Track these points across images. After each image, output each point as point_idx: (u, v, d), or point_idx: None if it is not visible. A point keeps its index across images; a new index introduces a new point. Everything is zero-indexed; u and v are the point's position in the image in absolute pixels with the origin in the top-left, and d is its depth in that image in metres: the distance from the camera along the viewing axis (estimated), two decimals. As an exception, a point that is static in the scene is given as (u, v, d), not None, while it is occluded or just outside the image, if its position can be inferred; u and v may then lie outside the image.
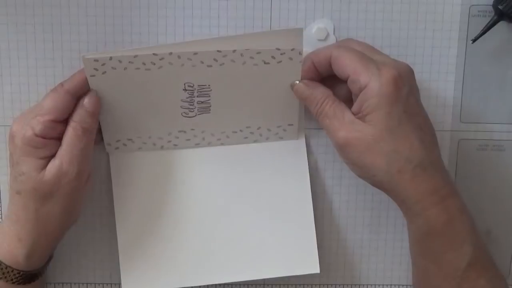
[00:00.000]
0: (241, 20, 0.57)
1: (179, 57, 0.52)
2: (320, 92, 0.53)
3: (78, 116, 0.52)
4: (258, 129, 0.58)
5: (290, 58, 0.53)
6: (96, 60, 0.51)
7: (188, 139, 0.58)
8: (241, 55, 0.53)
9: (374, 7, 0.57)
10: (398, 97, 0.49)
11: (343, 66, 0.51)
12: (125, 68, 0.52)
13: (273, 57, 0.53)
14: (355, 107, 0.51)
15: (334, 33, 0.57)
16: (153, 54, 0.52)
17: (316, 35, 0.57)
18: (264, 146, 0.59)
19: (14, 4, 0.56)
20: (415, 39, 0.57)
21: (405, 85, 0.50)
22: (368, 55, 0.52)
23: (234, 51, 0.52)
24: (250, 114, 0.57)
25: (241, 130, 0.58)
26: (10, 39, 0.56)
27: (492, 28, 0.55)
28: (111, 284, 0.61)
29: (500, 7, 0.54)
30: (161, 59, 0.52)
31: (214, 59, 0.53)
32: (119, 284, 0.60)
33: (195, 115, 0.56)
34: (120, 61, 0.52)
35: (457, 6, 0.57)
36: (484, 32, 0.55)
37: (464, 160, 0.59)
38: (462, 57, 0.57)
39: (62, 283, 0.61)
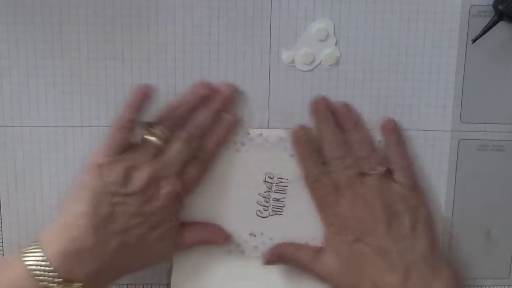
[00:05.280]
0: (241, 20, 0.57)
1: None
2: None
3: None
4: None
5: None
6: None
7: (256, 246, 0.57)
8: None
9: (374, 7, 0.57)
10: None
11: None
12: None
13: None
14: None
15: (334, 33, 0.57)
16: None
17: (316, 35, 0.57)
18: None
19: (14, 4, 0.56)
20: (415, 39, 0.57)
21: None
22: None
23: None
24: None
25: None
26: (10, 39, 0.56)
27: (492, 28, 0.55)
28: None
29: (500, 7, 0.54)
30: None
31: None
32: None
33: (268, 215, 0.56)
34: None
35: (457, 6, 0.57)
36: (484, 32, 0.55)
37: (464, 160, 0.59)
38: (462, 57, 0.57)
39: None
